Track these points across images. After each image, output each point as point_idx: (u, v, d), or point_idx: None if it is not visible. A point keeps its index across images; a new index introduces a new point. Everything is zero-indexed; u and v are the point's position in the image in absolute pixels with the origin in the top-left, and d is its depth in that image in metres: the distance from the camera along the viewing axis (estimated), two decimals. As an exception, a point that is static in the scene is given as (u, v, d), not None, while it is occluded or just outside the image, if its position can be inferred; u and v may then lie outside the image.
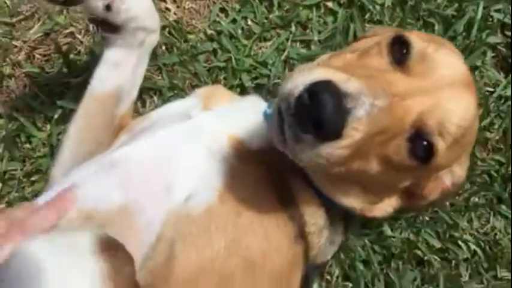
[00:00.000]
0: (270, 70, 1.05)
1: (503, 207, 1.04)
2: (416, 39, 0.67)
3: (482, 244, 1.02)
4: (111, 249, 0.52)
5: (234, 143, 0.75)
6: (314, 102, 0.55)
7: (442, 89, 0.64)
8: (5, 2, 1.05)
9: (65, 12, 1.06)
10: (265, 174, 0.73)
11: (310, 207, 0.74)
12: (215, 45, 1.06)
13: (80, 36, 1.05)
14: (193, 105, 0.82)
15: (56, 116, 0.99)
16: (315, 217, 0.75)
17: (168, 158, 0.72)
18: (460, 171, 0.77)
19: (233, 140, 0.76)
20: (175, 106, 0.85)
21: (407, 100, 0.62)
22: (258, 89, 1.04)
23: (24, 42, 1.05)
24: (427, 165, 0.65)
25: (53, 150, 0.98)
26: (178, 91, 1.03)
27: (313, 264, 0.79)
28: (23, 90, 1.03)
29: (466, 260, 1.01)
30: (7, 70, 1.03)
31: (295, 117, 0.57)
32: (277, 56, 1.07)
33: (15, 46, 1.05)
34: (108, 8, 0.80)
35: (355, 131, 0.57)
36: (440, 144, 0.64)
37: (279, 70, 1.06)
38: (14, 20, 1.05)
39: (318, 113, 0.55)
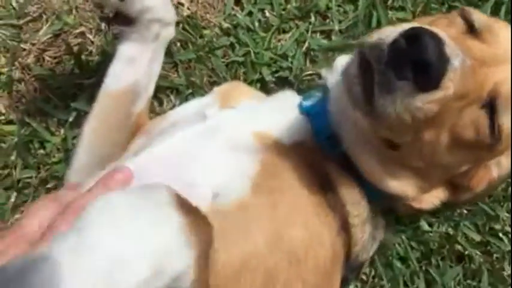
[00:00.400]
0: (292, 63, 1.00)
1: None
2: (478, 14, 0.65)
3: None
4: (187, 206, 0.47)
5: (261, 138, 0.71)
6: (414, 46, 0.53)
7: (506, 61, 0.62)
8: (11, 4, 1.01)
9: (74, 11, 1.01)
10: (301, 165, 0.70)
11: (352, 197, 0.70)
12: (232, 39, 1.02)
13: (90, 36, 1.01)
14: (210, 104, 0.78)
15: (70, 119, 0.94)
16: (358, 208, 0.71)
17: (188, 157, 0.69)
18: (506, 162, 0.73)
19: (259, 136, 0.72)
20: (192, 106, 0.82)
21: (485, 68, 0.59)
22: (280, 83, 1.00)
23: (33, 44, 1.00)
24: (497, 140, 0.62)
25: (68, 155, 0.93)
26: (196, 89, 0.98)
27: (355, 262, 0.74)
28: (34, 94, 0.98)
29: (508, 252, 0.96)
30: (16, 74, 0.99)
31: (390, 64, 0.55)
32: (298, 48, 1.02)
33: (24, 49, 1.00)
34: None
35: (450, 83, 0.56)
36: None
37: (300, 62, 1.01)
38: (21, 21, 1.01)
39: (420, 56, 0.53)
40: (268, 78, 1.00)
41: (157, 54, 0.85)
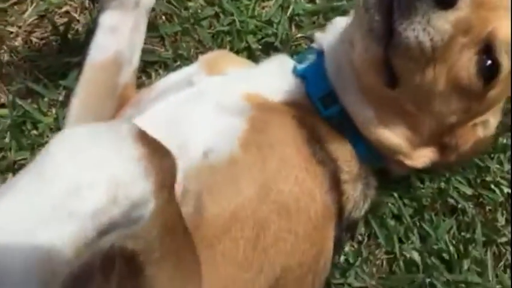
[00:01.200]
0: (277, 29, 1.01)
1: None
2: None
3: None
4: (148, 139, 0.47)
5: (251, 98, 0.72)
6: None
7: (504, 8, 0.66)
8: (-5, -12, 1.01)
9: (57, -9, 1.02)
10: (291, 122, 0.71)
11: (343, 154, 0.72)
12: (216, 9, 1.02)
13: (76, 15, 1.01)
14: (196, 72, 0.79)
15: (60, 98, 0.95)
16: (349, 165, 0.72)
17: (178, 120, 0.70)
18: (493, 123, 0.77)
19: (248, 96, 0.73)
20: (178, 75, 0.82)
21: (485, 11, 0.64)
22: (266, 50, 1.00)
23: (19, 27, 1.00)
24: (487, 88, 0.67)
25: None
26: (183, 61, 0.99)
27: (348, 220, 0.76)
28: (24, 76, 0.98)
29: (500, 204, 0.97)
30: (5, 57, 0.99)
31: None
32: (282, 14, 1.02)
33: (11, 32, 1.00)
34: None
35: (464, 5, 0.61)
36: (506, 61, 0.66)
37: (285, 28, 1.01)
38: (6, 4, 1.01)
39: None
40: (255, 46, 1.00)
41: (139, 23, 0.86)
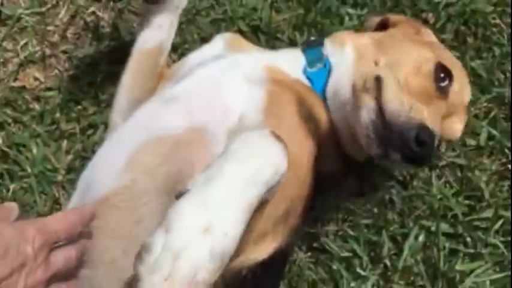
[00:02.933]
0: (261, 14, 1.26)
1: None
2: (455, 71, 0.91)
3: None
4: (277, 136, 0.73)
5: (271, 71, 0.93)
6: (419, 146, 0.79)
7: (460, 111, 0.93)
8: (34, -4, 1.25)
9: (84, -5, 1.26)
10: (296, 100, 0.92)
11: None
12: (212, 1, 1.27)
13: (100, 14, 1.25)
14: (222, 48, 1.02)
15: (98, 80, 1.21)
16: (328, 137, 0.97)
17: (218, 88, 0.89)
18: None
19: (269, 69, 0.94)
20: (206, 50, 1.05)
21: (439, 123, 0.87)
22: (254, 31, 1.26)
23: (56, 26, 1.25)
24: None
25: (100, 108, 1.20)
26: (190, 44, 1.24)
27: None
28: (64, 65, 1.23)
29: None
30: (47, 51, 1.24)
31: (403, 154, 0.81)
32: (264, 2, 1.28)
33: (49, 30, 1.25)
34: None
35: None
36: (443, 145, 1.04)
37: (267, 13, 1.27)
38: (44, 9, 1.25)
39: (420, 154, 0.80)
40: (245, 29, 1.25)
41: (175, 20, 1.07)
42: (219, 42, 1.06)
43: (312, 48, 1.02)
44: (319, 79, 0.97)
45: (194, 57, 1.05)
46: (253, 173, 0.65)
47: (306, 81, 0.97)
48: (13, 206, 0.74)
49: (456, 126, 0.94)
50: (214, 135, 0.84)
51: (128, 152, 0.87)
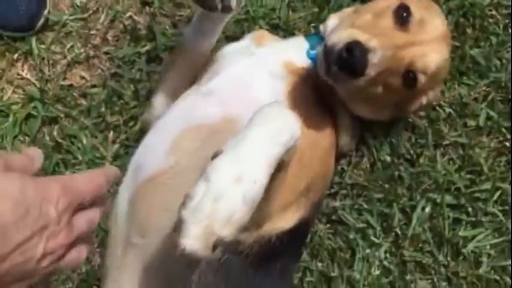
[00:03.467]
0: (279, 13, 1.40)
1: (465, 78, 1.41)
2: (416, 7, 1.00)
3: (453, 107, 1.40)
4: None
5: (288, 66, 1.08)
6: (350, 56, 0.92)
7: (428, 43, 0.99)
8: (76, 4, 1.39)
9: (120, 2, 1.40)
10: (313, 91, 1.07)
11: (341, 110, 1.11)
12: (235, 3, 1.41)
13: (136, 18, 1.39)
14: (249, 44, 1.15)
15: (137, 77, 1.35)
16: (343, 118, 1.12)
17: (246, 83, 1.04)
18: (433, 95, 1.14)
19: (287, 65, 1.08)
20: (237, 45, 1.17)
21: (403, 50, 0.96)
22: (274, 29, 1.40)
23: (98, 29, 1.39)
24: (412, 90, 1.02)
25: (141, 102, 1.34)
26: (216, 43, 1.38)
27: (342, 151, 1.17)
28: (106, 65, 1.38)
29: (443, 119, 1.38)
30: (91, 53, 1.38)
31: (338, 65, 0.93)
32: (282, 2, 1.41)
33: (92, 34, 1.39)
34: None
35: (372, 70, 0.93)
36: (422, 77, 1.00)
37: (285, 12, 1.40)
38: (86, 15, 1.38)
39: (352, 62, 0.92)
40: (265, 27, 1.38)
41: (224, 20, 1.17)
42: (247, 39, 1.19)
43: (313, 35, 1.19)
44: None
45: (228, 51, 1.16)
46: (273, 134, 0.77)
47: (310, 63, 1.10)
48: (37, 153, 0.67)
49: (429, 56, 1.00)
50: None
51: (172, 137, 1.01)
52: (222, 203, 0.70)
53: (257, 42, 1.16)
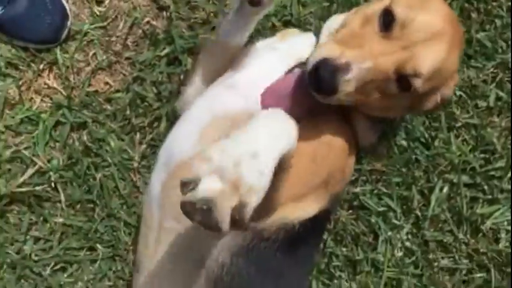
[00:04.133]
0: (290, 10, 1.45)
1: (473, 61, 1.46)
2: (400, 9, 0.96)
3: (464, 89, 1.44)
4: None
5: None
6: (318, 76, 0.95)
7: (416, 44, 0.95)
8: (96, 13, 1.45)
9: (138, 8, 1.45)
10: None
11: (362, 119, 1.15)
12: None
13: (154, 22, 1.44)
14: (273, 41, 1.21)
15: (158, 79, 1.41)
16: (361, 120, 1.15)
17: (269, 76, 1.08)
18: (446, 91, 1.10)
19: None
20: (264, 42, 1.21)
21: (385, 58, 0.94)
22: (286, 25, 1.44)
23: (118, 36, 1.43)
24: (410, 93, 0.98)
25: (164, 105, 1.39)
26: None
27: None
28: (127, 69, 1.43)
29: (455, 102, 1.43)
30: (113, 59, 1.43)
31: (310, 86, 0.97)
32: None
33: (112, 41, 1.44)
34: None
35: (346, 87, 0.95)
36: (416, 81, 0.96)
37: (296, 8, 1.45)
38: (106, 23, 1.43)
39: (320, 83, 0.95)
40: (278, 23, 1.42)
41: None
42: (275, 36, 1.24)
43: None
44: None
45: (255, 46, 1.21)
46: (278, 134, 0.85)
47: None
48: None
49: (418, 58, 0.95)
50: None
51: (200, 126, 1.09)
52: (243, 166, 0.75)
53: (281, 38, 1.21)
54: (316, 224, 1.12)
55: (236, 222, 0.74)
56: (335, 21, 1.14)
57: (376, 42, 0.96)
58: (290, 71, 1.10)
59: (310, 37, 1.20)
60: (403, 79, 0.97)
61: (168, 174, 1.08)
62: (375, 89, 1.00)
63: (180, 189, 0.75)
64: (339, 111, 1.11)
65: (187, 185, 0.74)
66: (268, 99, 1.05)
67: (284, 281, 1.09)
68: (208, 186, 0.73)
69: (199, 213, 0.73)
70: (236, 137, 0.81)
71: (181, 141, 1.11)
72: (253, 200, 0.75)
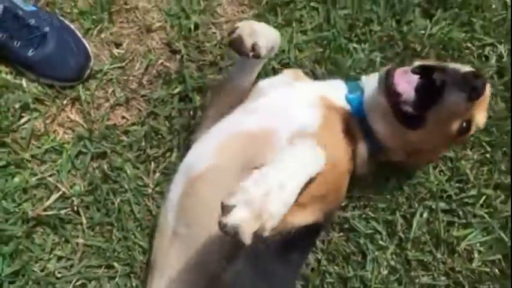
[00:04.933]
0: (288, 54, 1.62)
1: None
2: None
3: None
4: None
5: (323, 100, 1.25)
6: (476, 80, 1.12)
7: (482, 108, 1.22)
8: (115, 55, 1.61)
9: (152, 51, 1.62)
10: (340, 120, 1.25)
11: (360, 145, 1.28)
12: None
13: (167, 64, 1.60)
14: (288, 78, 1.35)
15: (171, 114, 1.56)
16: (361, 150, 1.30)
17: (287, 104, 1.23)
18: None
19: (322, 98, 1.26)
20: (276, 78, 1.36)
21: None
22: (285, 67, 1.60)
23: (134, 76, 1.58)
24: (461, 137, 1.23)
25: (174, 135, 1.55)
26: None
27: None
28: (143, 105, 1.57)
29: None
30: (129, 96, 1.57)
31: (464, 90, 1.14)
32: (290, 45, 1.63)
33: (129, 80, 1.58)
34: (253, 49, 1.16)
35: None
36: (472, 131, 1.22)
37: (293, 53, 1.61)
38: (123, 64, 1.58)
39: (479, 85, 1.12)
40: (277, 66, 1.58)
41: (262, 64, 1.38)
42: (286, 74, 1.39)
43: (352, 80, 1.36)
44: (358, 102, 1.29)
45: (264, 83, 1.35)
46: (307, 165, 1.01)
47: (347, 105, 1.28)
48: None
49: (482, 116, 1.22)
50: (279, 136, 1.17)
51: (218, 141, 1.21)
52: (270, 198, 0.91)
53: (295, 78, 1.37)
54: (308, 235, 1.24)
55: (256, 238, 0.90)
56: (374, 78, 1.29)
57: None
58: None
59: (330, 83, 1.37)
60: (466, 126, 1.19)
61: (185, 184, 1.20)
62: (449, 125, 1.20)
63: (221, 210, 0.91)
64: (348, 138, 1.25)
65: (226, 208, 0.90)
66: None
67: (277, 283, 1.21)
68: (238, 215, 0.89)
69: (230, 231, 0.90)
70: (267, 169, 0.95)
71: (199, 155, 1.23)
72: (271, 225, 0.91)
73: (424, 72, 1.16)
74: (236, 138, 1.19)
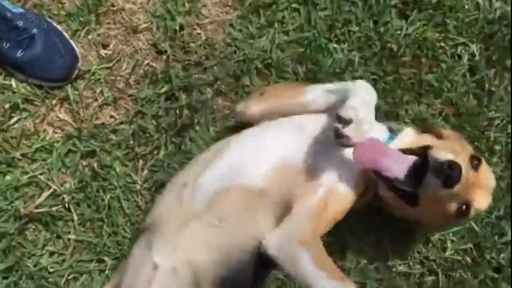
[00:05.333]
0: (271, 54, 1.66)
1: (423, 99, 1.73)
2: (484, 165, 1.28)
3: (415, 122, 1.71)
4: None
5: None
6: (451, 169, 1.14)
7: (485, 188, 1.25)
8: (102, 55, 1.65)
9: (139, 51, 1.65)
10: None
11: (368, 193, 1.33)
12: (234, 48, 1.67)
13: (154, 64, 1.63)
14: None
15: (158, 113, 1.61)
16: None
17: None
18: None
19: None
20: None
21: (470, 187, 1.20)
22: (267, 67, 1.64)
23: (121, 76, 1.62)
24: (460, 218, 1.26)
25: (161, 133, 1.60)
26: (220, 80, 1.64)
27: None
28: (130, 105, 1.61)
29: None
30: (117, 95, 1.60)
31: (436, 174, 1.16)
32: (272, 45, 1.66)
33: (117, 80, 1.61)
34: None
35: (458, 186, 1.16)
36: (471, 213, 1.24)
37: (275, 53, 1.66)
38: (111, 64, 1.61)
39: (453, 175, 1.13)
40: (260, 66, 1.61)
41: None
42: None
43: (394, 131, 1.36)
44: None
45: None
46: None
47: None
48: None
49: (483, 200, 1.24)
50: (321, 183, 1.27)
51: (270, 165, 1.27)
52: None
53: None
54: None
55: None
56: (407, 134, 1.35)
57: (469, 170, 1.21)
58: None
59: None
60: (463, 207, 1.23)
61: (226, 187, 1.24)
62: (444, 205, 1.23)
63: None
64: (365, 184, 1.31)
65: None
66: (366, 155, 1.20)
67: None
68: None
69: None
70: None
71: (252, 167, 1.26)
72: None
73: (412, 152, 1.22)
74: (284, 169, 1.26)
